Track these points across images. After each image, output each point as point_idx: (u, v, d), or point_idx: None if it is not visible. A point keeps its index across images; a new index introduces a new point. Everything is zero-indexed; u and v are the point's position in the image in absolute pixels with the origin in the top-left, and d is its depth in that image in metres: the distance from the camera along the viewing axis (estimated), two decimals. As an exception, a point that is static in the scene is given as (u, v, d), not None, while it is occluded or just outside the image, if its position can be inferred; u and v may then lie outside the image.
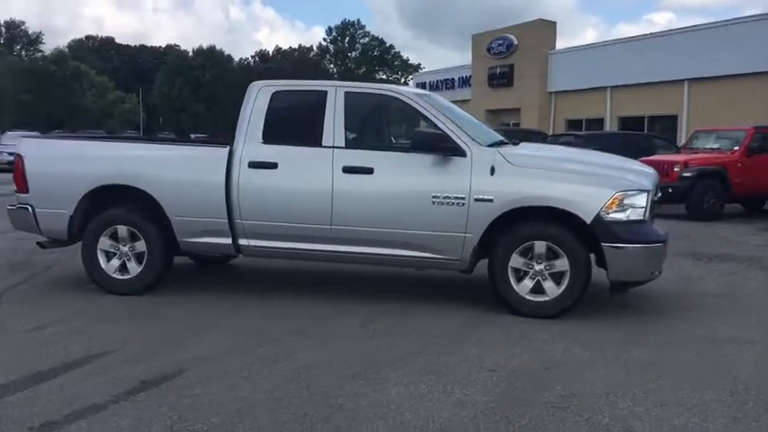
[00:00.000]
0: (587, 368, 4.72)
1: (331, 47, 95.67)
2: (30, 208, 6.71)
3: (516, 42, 33.06)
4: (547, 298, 5.97)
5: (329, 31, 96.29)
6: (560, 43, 33.77)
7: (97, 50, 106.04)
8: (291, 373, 4.53)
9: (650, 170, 6.61)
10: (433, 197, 6.00)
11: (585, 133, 20.45)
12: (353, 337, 5.36)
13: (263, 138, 6.39)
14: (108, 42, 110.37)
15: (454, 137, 6.09)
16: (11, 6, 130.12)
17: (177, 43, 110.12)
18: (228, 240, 6.45)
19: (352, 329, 5.58)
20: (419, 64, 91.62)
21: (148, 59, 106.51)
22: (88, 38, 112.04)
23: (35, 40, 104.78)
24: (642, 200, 5.93)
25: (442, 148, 6.03)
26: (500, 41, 33.79)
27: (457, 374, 4.54)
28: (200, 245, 6.55)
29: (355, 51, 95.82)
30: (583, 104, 30.50)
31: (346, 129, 6.29)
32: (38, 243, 6.95)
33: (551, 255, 5.93)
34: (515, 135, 23.78)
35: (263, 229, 6.35)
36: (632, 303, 6.59)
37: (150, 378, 4.39)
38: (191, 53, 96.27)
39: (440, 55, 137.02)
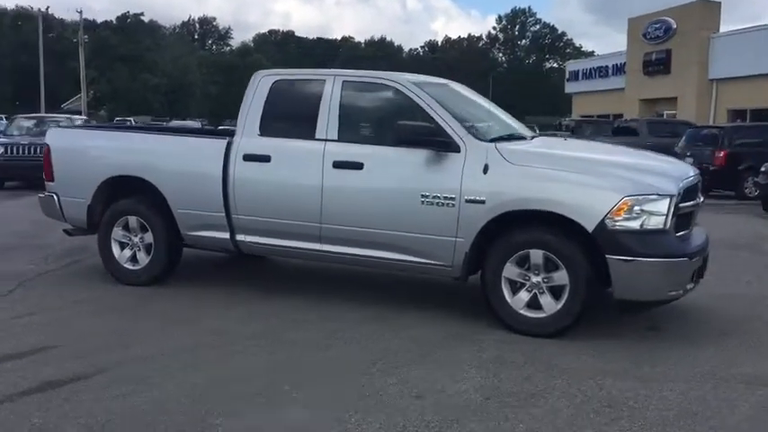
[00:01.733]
0: (532, 402, 4.05)
1: (500, 35, 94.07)
2: (55, 196, 6.89)
3: (675, 26, 30.63)
4: (543, 314, 5.27)
5: (499, 19, 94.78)
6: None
7: (278, 44, 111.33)
8: (199, 383, 4.23)
9: (684, 172, 5.65)
10: (423, 196, 5.47)
11: (728, 125, 18.52)
12: (309, 347, 4.96)
13: (260, 130, 6.14)
14: (289, 36, 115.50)
15: (449, 130, 5.51)
16: (207, 4, 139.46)
17: (355, 35, 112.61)
18: (227, 235, 6.26)
19: (318, 338, 5.18)
20: (593, 51, 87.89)
21: (325, 51, 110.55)
22: (271, 32, 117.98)
23: (224, 36, 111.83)
24: (662, 206, 5.07)
25: (429, 141, 5.48)
26: (657, 25, 31.46)
27: (374, 400, 4.05)
28: (202, 239, 6.42)
29: (525, 39, 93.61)
30: (748, 93, 27.67)
31: (341, 120, 5.88)
32: (64, 230, 7.14)
33: (551, 266, 5.22)
34: (660, 125, 22.13)
35: (258, 225, 6.11)
36: (664, 325, 5.70)
37: (56, 379, 4.26)
38: (363, 44, 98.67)
39: (621, 41, 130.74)
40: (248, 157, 6.06)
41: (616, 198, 5.01)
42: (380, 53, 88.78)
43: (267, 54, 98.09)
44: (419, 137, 5.47)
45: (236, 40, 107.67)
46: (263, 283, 6.88)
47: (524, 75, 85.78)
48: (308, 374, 4.42)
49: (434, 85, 6.19)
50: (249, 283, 6.81)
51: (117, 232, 6.66)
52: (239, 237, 6.22)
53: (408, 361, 4.68)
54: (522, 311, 5.31)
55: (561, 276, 5.18)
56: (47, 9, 72.39)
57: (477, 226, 5.35)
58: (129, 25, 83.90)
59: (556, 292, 5.22)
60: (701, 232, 5.90)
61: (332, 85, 5.97)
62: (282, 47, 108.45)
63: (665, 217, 5.08)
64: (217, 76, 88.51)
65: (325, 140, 5.85)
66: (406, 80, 5.87)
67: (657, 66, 31.55)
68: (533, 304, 5.29)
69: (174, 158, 6.38)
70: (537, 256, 5.23)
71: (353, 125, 5.98)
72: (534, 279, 5.28)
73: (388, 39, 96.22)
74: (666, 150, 18.42)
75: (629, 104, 32.36)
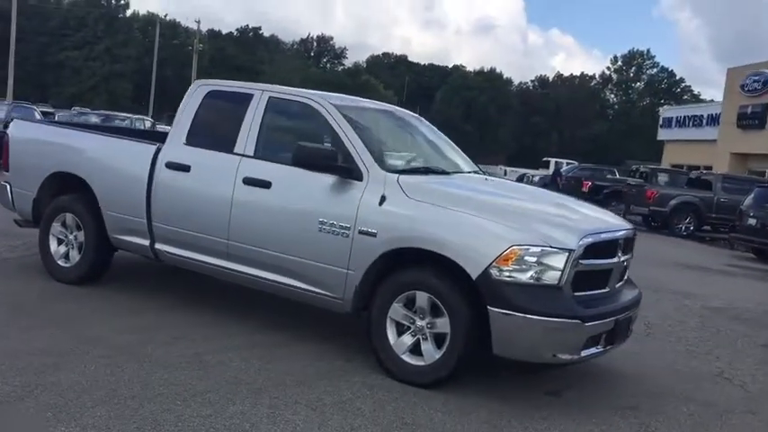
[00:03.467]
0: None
1: (614, 76, 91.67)
2: (8, 186, 7.00)
3: (775, 79, 28.78)
4: (423, 363, 4.86)
5: (614, 59, 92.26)
6: None
7: (390, 67, 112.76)
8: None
9: (600, 227, 5.14)
10: (320, 223, 5.19)
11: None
12: (155, 367, 4.67)
13: (187, 139, 6.03)
14: (401, 60, 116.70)
15: (355, 156, 5.22)
16: (333, 23, 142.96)
17: (468, 64, 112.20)
18: (148, 243, 6.15)
19: (176, 358, 4.88)
20: (711, 99, 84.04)
21: (435, 77, 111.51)
22: (385, 55, 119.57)
23: (339, 55, 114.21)
24: (558, 261, 4.59)
25: (330, 166, 5.20)
26: (756, 77, 29.59)
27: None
28: (127, 243, 6.32)
29: (640, 82, 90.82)
30: None
31: (259, 137, 5.69)
32: (14, 220, 7.21)
33: (438, 311, 4.82)
34: (736, 181, 20.74)
35: (175, 235, 5.96)
36: (571, 391, 5.17)
37: None
38: (472, 74, 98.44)
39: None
40: (170, 165, 5.95)
41: (503, 246, 4.58)
42: (486, 84, 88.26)
43: (378, 76, 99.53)
44: (319, 160, 5.20)
45: (350, 60, 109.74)
46: (195, 294, 6.65)
47: (634, 117, 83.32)
48: (119, 395, 4.15)
49: (359, 110, 5.94)
50: (180, 293, 6.62)
51: (55, 228, 6.67)
52: (158, 245, 6.10)
53: (244, 395, 4.37)
54: (403, 356, 4.92)
55: (444, 324, 4.77)
56: (165, 15, 76.37)
57: (369, 260, 5.01)
58: (248, 38, 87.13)
59: (439, 339, 4.82)
60: (630, 293, 5.37)
61: (258, 101, 5.80)
62: (394, 70, 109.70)
63: (560, 272, 4.60)
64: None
65: (242, 156, 5.67)
66: (326, 101, 5.61)
67: (752, 120, 29.59)
68: (416, 350, 4.90)
69: (108, 160, 6.34)
70: (422, 299, 4.85)
71: (271, 142, 5.75)
72: (419, 323, 4.89)
73: (498, 70, 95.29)
74: (734, 208, 17.36)
75: (720, 157, 30.52)
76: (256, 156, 5.64)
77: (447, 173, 5.81)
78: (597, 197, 22.84)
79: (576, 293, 4.73)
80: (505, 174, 33.96)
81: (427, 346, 4.85)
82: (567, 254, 4.61)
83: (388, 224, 4.96)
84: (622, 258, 5.16)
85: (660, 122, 40.58)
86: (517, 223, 4.72)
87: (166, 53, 75.85)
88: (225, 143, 5.81)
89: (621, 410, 4.89)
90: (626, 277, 5.59)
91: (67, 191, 6.65)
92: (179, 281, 7.18)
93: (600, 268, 4.96)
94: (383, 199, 5.03)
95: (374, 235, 4.98)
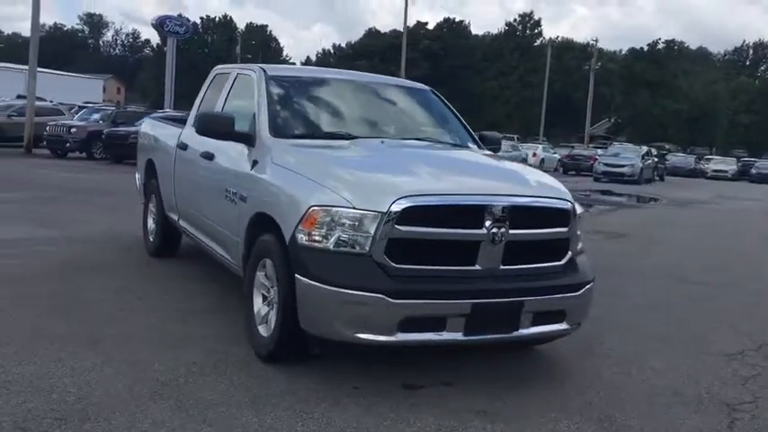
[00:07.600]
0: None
1: None
2: (137, 174, 8.23)
3: None
4: (267, 334, 4.53)
5: None
6: None
7: None
8: None
9: (440, 187, 4.18)
10: (226, 191, 5.20)
11: None
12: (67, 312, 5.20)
13: (194, 120, 6.43)
14: None
15: (257, 123, 5.11)
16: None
17: None
18: (177, 217, 6.70)
19: (105, 310, 5.31)
20: None
21: None
22: None
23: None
24: (367, 225, 3.93)
25: (227, 134, 5.14)
26: None
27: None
28: (171, 220, 6.93)
29: None
30: None
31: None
32: (142, 203, 8.33)
33: (283, 279, 4.46)
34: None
35: (181, 209, 6.44)
36: (431, 391, 4.23)
37: None
38: None
39: None
40: (179, 146, 6.44)
41: (303, 207, 4.09)
42: None
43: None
44: (216, 128, 5.18)
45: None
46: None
47: None
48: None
49: (305, 81, 5.90)
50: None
51: (150, 207, 7.64)
52: (180, 221, 6.61)
53: (83, 347, 4.56)
54: (258, 327, 4.62)
55: (276, 292, 4.41)
56: (557, 38, 76.65)
57: (243, 226, 4.87)
58: (662, 52, 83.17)
59: (283, 310, 4.45)
60: (559, 277, 4.35)
61: (231, 78, 6.01)
62: None
63: (369, 238, 3.93)
64: (753, 105, 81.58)
65: (209, 132, 5.90)
66: (260, 71, 5.55)
67: None
68: (267, 320, 4.59)
69: (160, 145, 7.10)
70: (270, 266, 4.53)
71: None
72: (273, 292, 4.57)
73: None
74: None
75: None
76: (217, 131, 5.82)
77: (352, 137, 5.20)
78: None
79: (400, 265, 3.96)
80: None
81: (271, 317, 4.51)
82: (377, 217, 3.91)
83: (254, 189, 4.79)
84: (498, 231, 4.08)
85: None
86: (332, 182, 4.14)
87: (578, 76, 76.10)
88: (207, 122, 6.09)
89: (474, 413, 3.91)
90: (569, 256, 4.45)
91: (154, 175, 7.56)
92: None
93: (448, 238, 4.05)
94: (254, 164, 4.86)
95: (245, 200, 4.84)
